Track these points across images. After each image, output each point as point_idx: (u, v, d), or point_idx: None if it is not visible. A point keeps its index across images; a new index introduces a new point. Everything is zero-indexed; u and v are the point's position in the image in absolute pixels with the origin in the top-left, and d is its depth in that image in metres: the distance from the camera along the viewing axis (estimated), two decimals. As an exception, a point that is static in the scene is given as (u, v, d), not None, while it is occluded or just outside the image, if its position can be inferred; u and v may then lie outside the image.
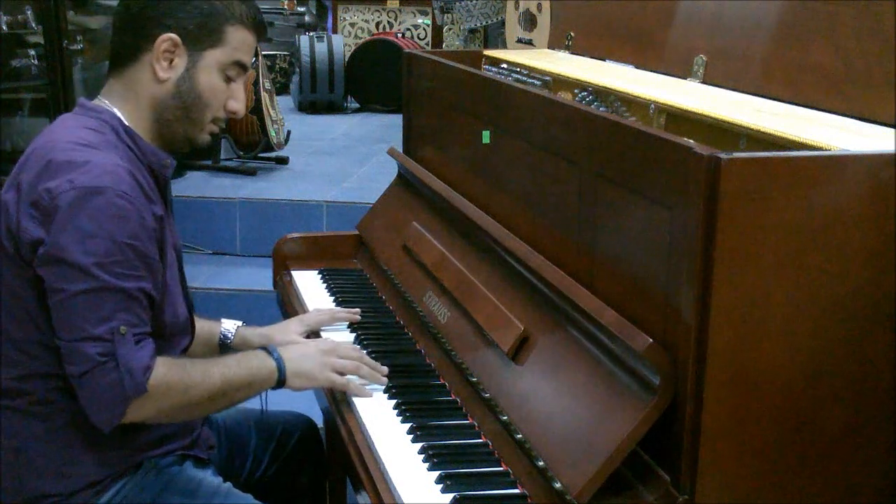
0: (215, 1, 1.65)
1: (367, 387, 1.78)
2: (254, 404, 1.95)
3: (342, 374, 1.77)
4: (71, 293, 1.51)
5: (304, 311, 2.19)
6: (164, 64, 1.63)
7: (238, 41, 1.67)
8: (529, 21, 4.82)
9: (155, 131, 1.68)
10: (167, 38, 1.62)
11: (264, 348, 1.75)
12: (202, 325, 2.00)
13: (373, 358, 1.85)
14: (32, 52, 4.79)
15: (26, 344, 1.59)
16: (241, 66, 1.69)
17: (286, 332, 2.04)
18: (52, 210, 1.51)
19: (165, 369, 1.58)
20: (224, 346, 2.01)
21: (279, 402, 2.08)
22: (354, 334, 2.05)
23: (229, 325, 2.03)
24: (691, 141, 1.33)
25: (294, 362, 1.74)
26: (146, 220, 1.57)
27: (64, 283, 1.51)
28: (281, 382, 1.73)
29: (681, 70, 1.94)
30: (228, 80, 1.69)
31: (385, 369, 1.82)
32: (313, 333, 2.07)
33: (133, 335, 1.53)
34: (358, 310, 2.13)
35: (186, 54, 1.64)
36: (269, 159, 5.51)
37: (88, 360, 1.51)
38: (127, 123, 1.65)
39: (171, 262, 1.69)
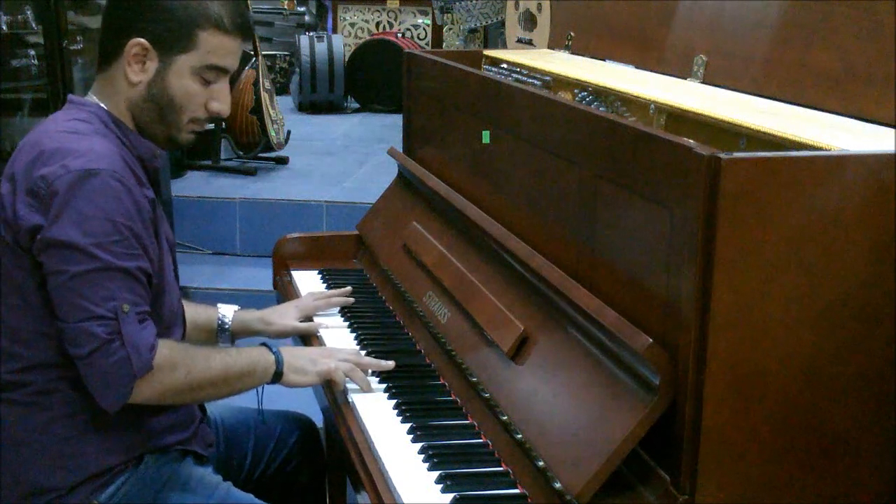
0: (190, 3, 1.62)
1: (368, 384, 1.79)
2: (252, 403, 1.95)
3: (337, 376, 1.78)
4: (72, 274, 1.52)
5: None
6: (136, 67, 1.63)
7: (213, 46, 1.64)
8: (529, 21, 4.82)
9: (138, 128, 1.69)
10: (136, 43, 1.62)
11: (264, 344, 1.77)
12: (198, 310, 2.02)
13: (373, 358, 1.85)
14: (32, 52, 4.78)
15: (26, 334, 1.60)
16: (219, 70, 1.67)
17: (283, 315, 2.09)
18: (49, 195, 1.52)
19: (168, 350, 1.60)
20: (222, 331, 2.03)
21: (279, 401, 2.08)
22: (354, 334, 2.05)
23: (226, 310, 2.05)
24: (691, 141, 1.33)
25: (291, 357, 1.76)
26: (141, 203, 1.58)
27: (64, 265, 1.52)
28: (278, 375, 1.74)
29: (681, 70, 1.94)
30: (207, 82, 1.67)
31: (391, 363, 1.82)
32: (308, 318, 2.11)
33: (136, 314, 1.55)
34: (349, 289, 2.20)
35: (157, 58, 1.63)
36: (269, 159, 5.52)
37: (95, 340, 1.52)
38: (115, 115, 1.66)
39: (164, 251, 1.70)
